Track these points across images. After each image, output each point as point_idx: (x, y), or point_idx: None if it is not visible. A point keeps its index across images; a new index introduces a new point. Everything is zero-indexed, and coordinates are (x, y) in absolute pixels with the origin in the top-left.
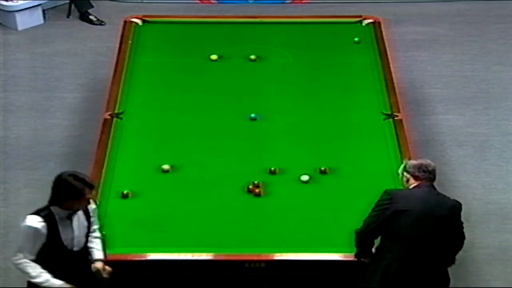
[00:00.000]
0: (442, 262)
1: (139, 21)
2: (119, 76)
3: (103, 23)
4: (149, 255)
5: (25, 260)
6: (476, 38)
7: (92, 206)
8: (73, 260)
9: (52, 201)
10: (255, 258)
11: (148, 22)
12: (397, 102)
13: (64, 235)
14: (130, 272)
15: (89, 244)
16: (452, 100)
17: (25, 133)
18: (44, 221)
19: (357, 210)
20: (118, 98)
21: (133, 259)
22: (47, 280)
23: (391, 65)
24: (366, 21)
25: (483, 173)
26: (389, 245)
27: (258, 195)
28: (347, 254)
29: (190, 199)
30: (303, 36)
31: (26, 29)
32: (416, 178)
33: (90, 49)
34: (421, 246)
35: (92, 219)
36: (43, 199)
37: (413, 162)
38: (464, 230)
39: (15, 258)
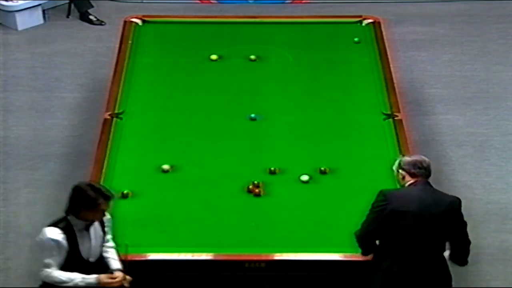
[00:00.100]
0: (444, 260)
1: (139, 21)
2: (119, 76)
3: (103, 23)
4: (149, 255)
5: (52, 270)
6: (476, 38)
7: (107, 216)
8: (90, 270)
9: (68, 210)
10: (255, 258)
11: (148, 22)
12: (397, 102)
13: (82, 246)
14: (130, 272)
15: (105, 254)
16: (452, 100)
17: (25, 133)
18: (64, 233)
19: (357, 210)
20: (118, 98)
21: (133, 259)
22: (83, 279)
23: (391, 65)
24: (366, 21)
25: (483, 173)
26: (389, 245)
27: (258, 195)
28: (347, 254)
29: (190, 199)
30: (303, 36)
31: (26, 29)
32: (412, 175)
33: (90, 49)
34: (421, 246)
35: (106, 229)
36: (43, 199)
37: (407, 158)
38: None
39: (43, 273)
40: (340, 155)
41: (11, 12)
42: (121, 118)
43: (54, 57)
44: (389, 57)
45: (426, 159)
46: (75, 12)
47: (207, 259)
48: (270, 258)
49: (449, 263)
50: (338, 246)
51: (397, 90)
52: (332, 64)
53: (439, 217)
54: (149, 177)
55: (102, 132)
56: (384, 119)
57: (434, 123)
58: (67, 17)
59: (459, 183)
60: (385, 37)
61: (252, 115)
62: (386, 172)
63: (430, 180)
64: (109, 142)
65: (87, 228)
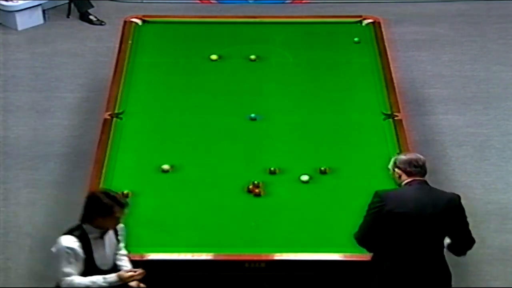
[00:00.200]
0: (444, 260)
1: (139, 21)
2: (119, 76)
3: (103, 23)
4: (149, 255)
5: (73, 278)
6: (476, 38)
7: (120, 225)
8: None
9: (83, 218)
10: (255, 258)
11: (148, 22)
12: (397, 102)
13: (97, 254)
14: None
15: (118, 262)
16: (452, 100)
17: (25, 133)
18: (79, 241)
19: (357, 210)
20: (118, 98)
21: (133, 259)
22: (105, 279)
23: (391, 65)
24: (366, 21)
25: (483, 173)
26: (388, 246)
27: (258, 195)
28: (347, 254)
29: (190, 199)
30: (303, 36)
31: (26, 29)
32: (408, 173)
33: (90, 49)
34: (421, 246)
35: (120, 237)
36: (43, 199)
37: (403, 157)
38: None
39: (65, 282)
40: (340, 155)
41: (11, 12)
42: (121, 118)
43: (54, 57)
44: (389, 57)
45: (421, 157)
46: (75, 12)
47: (207, 259)
48: (270, 258)
49: (446, 252)
50: (338, 246)
51: (397, 90)
52: (332, 64)
53: (438, 216)
54: (149, 177)
55: (102, 132)
56: (384, 119)
57: (434, 123)
58: (67, 17)
59: (459, 183)
60: (385, 37)
61: (252, 115)
62: (386, 172)
63: (431, 180)
64: (109, 142)
65: (102, 236)
